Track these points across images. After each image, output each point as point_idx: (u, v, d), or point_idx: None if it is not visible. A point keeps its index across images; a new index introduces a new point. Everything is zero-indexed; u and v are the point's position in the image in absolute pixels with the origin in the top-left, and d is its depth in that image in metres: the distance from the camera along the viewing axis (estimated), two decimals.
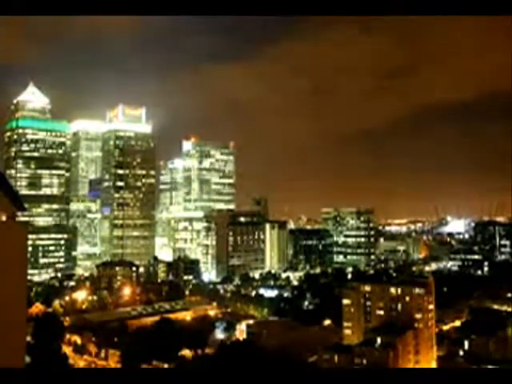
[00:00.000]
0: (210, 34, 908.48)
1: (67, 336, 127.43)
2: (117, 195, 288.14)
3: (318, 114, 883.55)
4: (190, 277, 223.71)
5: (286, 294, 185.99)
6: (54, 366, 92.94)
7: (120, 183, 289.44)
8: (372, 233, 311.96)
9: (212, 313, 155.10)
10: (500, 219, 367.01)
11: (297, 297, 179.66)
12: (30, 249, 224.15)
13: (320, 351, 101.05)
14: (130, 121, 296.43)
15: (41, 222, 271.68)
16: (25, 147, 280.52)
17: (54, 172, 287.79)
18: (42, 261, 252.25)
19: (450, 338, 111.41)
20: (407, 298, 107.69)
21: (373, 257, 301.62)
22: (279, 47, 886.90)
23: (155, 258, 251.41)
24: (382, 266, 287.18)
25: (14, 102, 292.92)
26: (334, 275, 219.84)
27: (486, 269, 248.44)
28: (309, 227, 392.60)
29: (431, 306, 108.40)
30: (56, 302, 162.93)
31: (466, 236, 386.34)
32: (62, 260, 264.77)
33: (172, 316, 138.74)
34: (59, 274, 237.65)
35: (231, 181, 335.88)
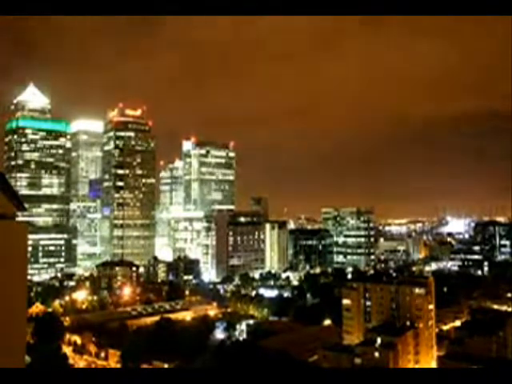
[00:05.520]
0: None
1: (67, 336, 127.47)
2: (117, 195, 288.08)
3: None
4: (190, 277, 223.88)
5: (286, 294, 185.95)
6: (54, 366, 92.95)
7: (120, 183, 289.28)
8: (372, 233, 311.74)
9: (212, 313, 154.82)
10: (500, 219, 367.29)
11: (297, 297, 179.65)
12: (30, 249, 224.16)
13: (320, 351, 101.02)
14: (130, 121, 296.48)
15: (41, 222, 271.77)
16: (25, 147, 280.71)
17: (54, 172, 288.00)
18: (42, 261, 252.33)
19: (450, 338, 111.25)
20: (407, 298, 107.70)
21: (373, 257, 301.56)
22: None
23: (155, 258, 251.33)
24: (382, 266, 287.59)
25: (14, 101, 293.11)
26: (334, 275, 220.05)
27: (486, 269, 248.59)
28: (309, 227, 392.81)
29: (431, 306, 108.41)
30: (56, 302, 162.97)
31: (466, 236, 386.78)
32: (62, 260, 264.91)
33: (172, 316, 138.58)
34: (59, 274, 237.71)
35: (231, 180, 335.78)
